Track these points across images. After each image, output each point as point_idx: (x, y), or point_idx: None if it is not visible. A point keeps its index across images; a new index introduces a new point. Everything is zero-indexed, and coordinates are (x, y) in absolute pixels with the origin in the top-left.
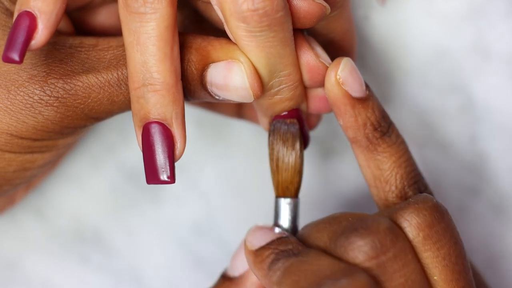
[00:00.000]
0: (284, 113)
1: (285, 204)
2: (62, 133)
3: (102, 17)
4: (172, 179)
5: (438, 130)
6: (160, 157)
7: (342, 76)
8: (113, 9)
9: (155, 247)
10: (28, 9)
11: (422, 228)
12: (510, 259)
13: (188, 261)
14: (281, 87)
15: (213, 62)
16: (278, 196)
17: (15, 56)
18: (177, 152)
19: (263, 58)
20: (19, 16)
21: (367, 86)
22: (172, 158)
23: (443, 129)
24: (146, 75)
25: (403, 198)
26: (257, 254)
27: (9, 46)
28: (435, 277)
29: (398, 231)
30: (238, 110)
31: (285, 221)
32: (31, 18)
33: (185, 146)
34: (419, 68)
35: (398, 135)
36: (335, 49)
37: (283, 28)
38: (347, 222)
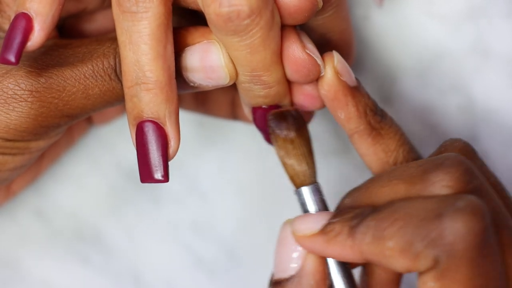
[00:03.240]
0: (264, 106)
1: (307, 193)
2: (35, 133)
3: (98, 23)
4: (166, 178)
5: (438, 130)
6: (154, 156)
7: (339, 67)
8: (109, 14)
9: (155, 247)
10: (24, 11)
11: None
12: None
13: (188, 261)
14: (251, 84)
15: (187, 46)
16: (297, 187)
17: (11, 58)
18: (171, 151)
19: (232, 56)
20: (16, 17)
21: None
22: (166, 157)
23: (443, 129)
24: (139, 74)
25: None
26: (326, 232)
27: (5, 47)
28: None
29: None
30: (233, 111)
31: (313, 209)
32: (27, 20)
33: (179, 144)
34: (419, 68)
35: (390, 116)
36: (332, 48)
37: (252, 35)
38: (416, 166)
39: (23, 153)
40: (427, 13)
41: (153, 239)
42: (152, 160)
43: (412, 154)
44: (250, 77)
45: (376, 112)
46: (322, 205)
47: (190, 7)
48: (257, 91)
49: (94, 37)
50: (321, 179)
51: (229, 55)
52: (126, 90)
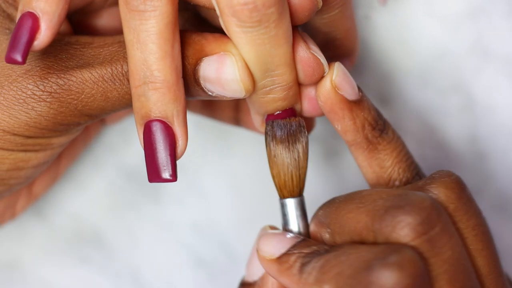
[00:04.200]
0: (278, 112)
1: (296, 204)
2: (55, 130)
3: (104, 20)
4: (174, 177)
5: (438, 130)
6: (162, 155)
7: (337, 81)
8: (115, 11)
9: (155, 247)
10: (30, 10)
11: (452, 200)
12: (510, 259)
13: (188, 261)
14: (273, 86)
15: (206, 55)
16: (283, 197)
17: (18, 57)
18: (179, 150)
19: (254, 56)
20: (22, 16)
21: (359, 88)
22: (173, 156)
23: (443, 129)
24: (146, 73)
25: None
26: (281, 262)
27: (12, 46)
28: (470, 247)
29: (439, 205)
30: (236, 117)
31: (294, 222)
32: (34, 19)
33: (187, 144)
34: (419, 68)
35: (394, 131)
36: (337, 47)
37: (275, 25)
38: (383, 200)
39: (45, 149)
40: (427, 13)
41: (153, 239)
42: (160, 159)
43: (407, 173)
44: (272, 78)
45: (375, 127)
46: (303, 221)
47: (198, 3)
48: (277, 93)
49: (117, 37)
50: (321, 179)
51: (245, 66)
52: (133, 90)
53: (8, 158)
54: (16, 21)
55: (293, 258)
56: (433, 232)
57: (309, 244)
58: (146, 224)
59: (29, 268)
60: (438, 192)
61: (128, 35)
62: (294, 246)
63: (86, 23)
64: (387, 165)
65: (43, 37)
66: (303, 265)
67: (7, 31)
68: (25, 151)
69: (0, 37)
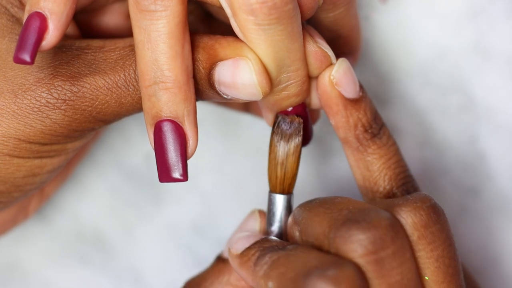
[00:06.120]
0: (290, 108)
1: (279, 200)
2: (71, 136)
3: (106, 18)
4: (184, 177)
5: (438, 130)
6: (172, 155)
7: (336, 76)
8: (117, 9)
9: (155, 247)
10: (38, 10)
11: (418, 227)
12: (510, 259)
13: (188, 261)
14: (289, 82)
15: (221, 60)
16: (272, 191)
17: (26, 57)
18: (189, 149)
19: (271, 53)
20: (30, 17)
21: (361, 87)
22: (184, 156)
23: (443, 129)
24: (157, 73)
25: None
26: (242, 255)
27: (20, 47)
28: (426, 278)
29: (399, 228)
30: (245, 104)
31: (276, 217)
32: (42, 19)
33: (197, 143)
34: (419, 68)
35: (389, 137)
36: (342, 43)
37: (292, 21)
38: (348, 211)
39: (60, 155)
40: (427, 13)
41: (153, 239)
42: (171, 159)
43: (393, 182)
44: (288, 74)
45: (368, 129)
46: (285, 217)
47: (204, 0)
48: (292, 89)
49: (128, 40)
50: (321, 179)
51: (262, 69)
52: (143, 90)
53: (24, 165)
54: (24, 21)
55: (252, 251)
56: (383, 253)
57: (271, 241)
58: (146, 224)
59: (30, 268)
60: (407, 217)
61: (139, 35)
62: (256, 242)
63: (90, 21)
64: (374, 168)
65: (51, 37)
66: (259, 258)
67: (17, 37)
68: (41, 157)
69: (11, 45)
